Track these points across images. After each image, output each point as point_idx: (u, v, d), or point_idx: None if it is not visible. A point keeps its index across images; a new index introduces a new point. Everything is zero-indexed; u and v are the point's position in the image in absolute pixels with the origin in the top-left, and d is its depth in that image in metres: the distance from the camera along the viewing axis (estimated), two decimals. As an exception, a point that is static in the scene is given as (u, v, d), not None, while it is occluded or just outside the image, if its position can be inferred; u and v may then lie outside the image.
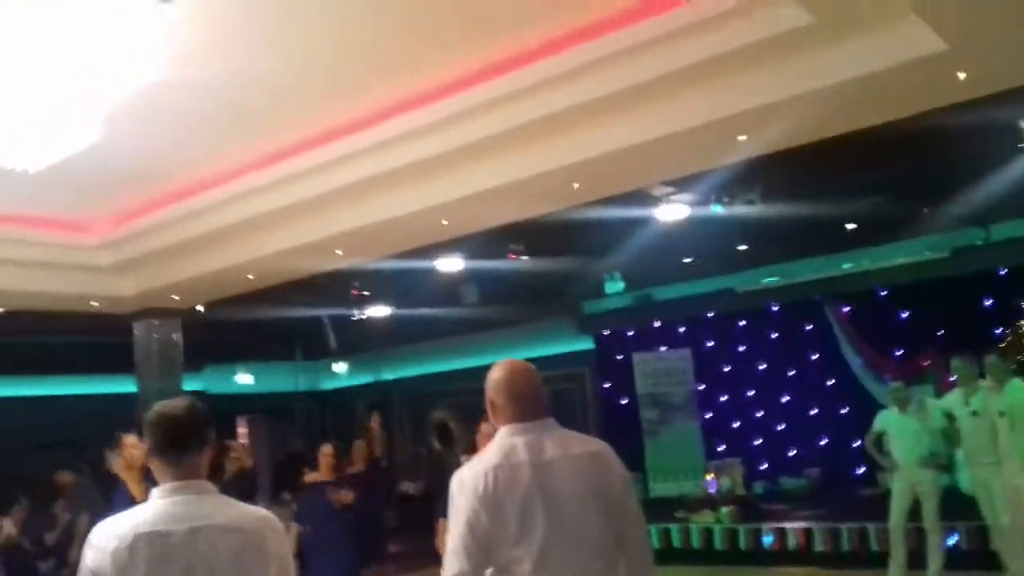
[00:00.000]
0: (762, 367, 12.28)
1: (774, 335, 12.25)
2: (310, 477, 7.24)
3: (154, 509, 2.25)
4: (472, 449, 5.75)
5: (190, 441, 2.30)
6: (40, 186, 6.53)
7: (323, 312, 13.50)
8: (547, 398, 2.71)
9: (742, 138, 5.73)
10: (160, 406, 2.36)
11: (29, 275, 8.17)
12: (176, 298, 9.37)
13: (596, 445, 2.70)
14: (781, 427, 12.11)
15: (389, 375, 17.32)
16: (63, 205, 7.68)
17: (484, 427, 5.65)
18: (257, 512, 2.39)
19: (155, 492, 2.30)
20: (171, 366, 9.97)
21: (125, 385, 10.20)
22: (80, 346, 12.02)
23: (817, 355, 11.93)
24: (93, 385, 13.14)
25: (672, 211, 8.65)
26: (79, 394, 13.31)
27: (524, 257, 10.30)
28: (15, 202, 7.12)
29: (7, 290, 8.26)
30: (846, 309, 11.73)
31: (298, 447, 14.95)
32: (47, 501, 8.72)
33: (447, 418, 8.02)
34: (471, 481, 2.52)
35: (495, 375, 2.69)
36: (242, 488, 8.32)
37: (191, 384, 11.51)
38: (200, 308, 10.05)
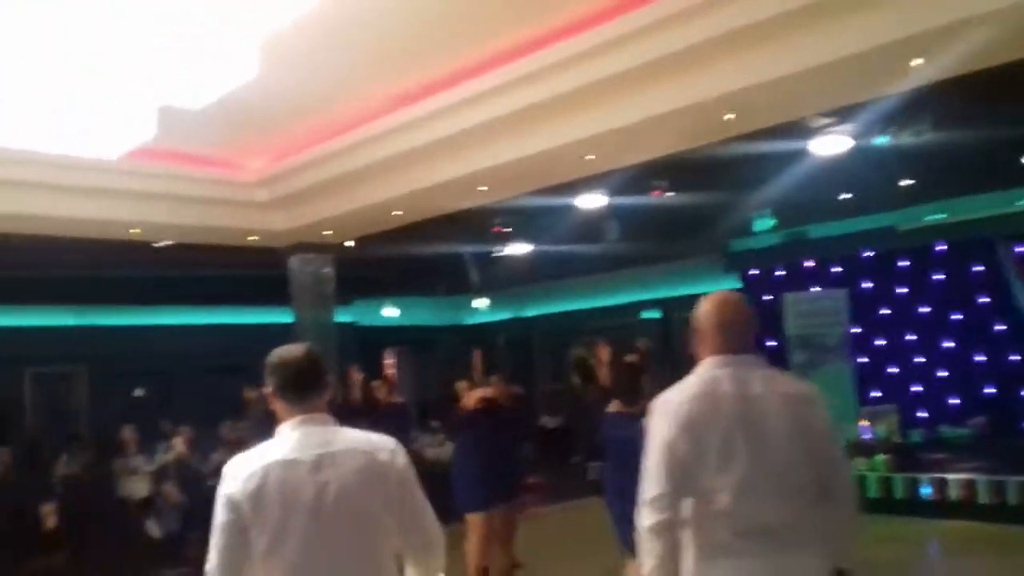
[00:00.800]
0: (924, 310, 11.58)
1: (938, 276, 11.51)
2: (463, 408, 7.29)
3: (282, 441, 2.36)
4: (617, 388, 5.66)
5: (312, 382, 2.40)
6: (201, 125, 6.82)
7: (466, 248, 13.70)
8: (755, 334, 2.70)
9: (916, 63, 5.27)
10: (282, 351, 2.44)
11: (193, 210, 8.65)
12: (327, 233, 9.68)
13: (804, 386, 2.69)
14: (943, 374, 11.43)
15: (530, 311, 17.48)
16: (222, 144, 8.03)
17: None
18: (375, 436, 2.46)
19: (282, 427, 2.39)
20: (324, 298, 10.37)
21: (283, 316, 10.70)
22: (243, 278, 12.69)
23: (986, 298, 11.13)
24: (254, 315, 13.88)
25: (831, 143, 8.18)
26: (242, 323, 14.11)
27: (669, 193, 10.02)
28: (179, 140, 7.45)
29: (173, 224, 8.78)
30: (1020, 249, 10.84)
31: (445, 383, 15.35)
32: (215, 422, 9.30)
33: (587, 355, 7.97)
34: (672, 408, 2.56)
35: (705, 304, 2.71)
36: (395, 420, 8.58)
37: (342, 316, 11.95)
38: (350, 243, 10.37)
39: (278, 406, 2.42)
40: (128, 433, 9.69)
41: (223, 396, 10.08)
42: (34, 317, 12.89)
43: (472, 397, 6.97)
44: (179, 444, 8.81)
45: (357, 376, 8.73)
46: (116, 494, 9.08)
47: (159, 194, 8.28)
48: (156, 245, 9.92)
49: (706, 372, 2.62)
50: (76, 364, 13.33)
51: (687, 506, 2.52)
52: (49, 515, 7.30)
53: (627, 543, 5.50)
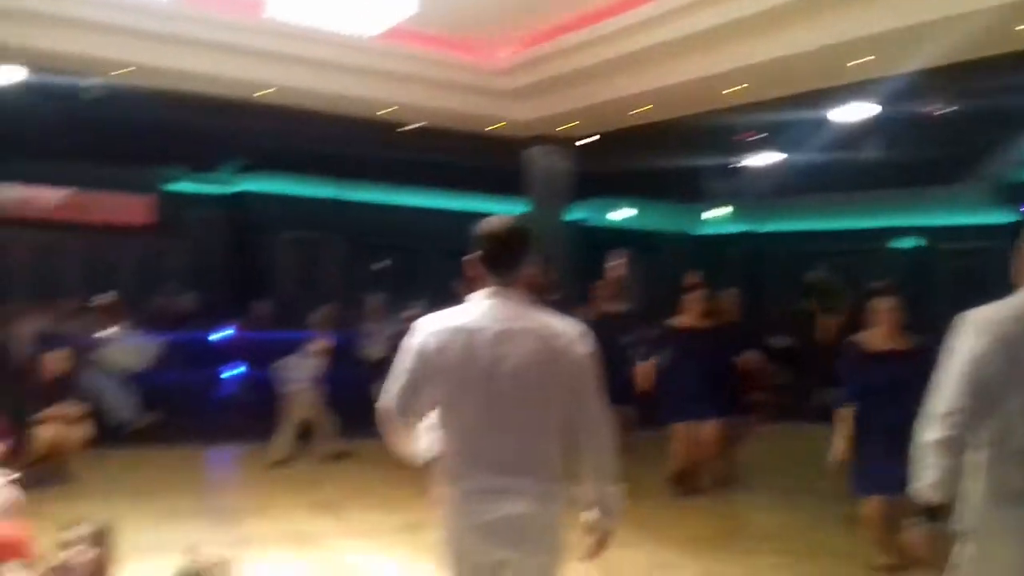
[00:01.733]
0: None
1: None
2: (680, 322, 7.07)
3: (472, 308, 2.48)
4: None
5: (507, 257, 2.50)
6: (456, 9, 6.88)
7: (707, 157, 13.19)
8: None
9: None
10: (486, 223, 2.54)
11: (442, 94, 8.86)
12: (570, 126, 9.61)
13: None
14: None
15: (767, 227, 16.70)
16: (474, 29, 8.08)
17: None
18: (561, 321, 2.51)
19: (476, 294, 2.50)
20: (558, 193, 10.42)
21: (516, 207, 10.88)
22: (482, 168, 13.00)
23: None
24: (491, 205, 14.23)
25: None
26: (479, 211, 14.54)
27: (943, 110, 9.05)
28: (430, 22, 7.56)
29: (423, 106, 9.06)
30: None
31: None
32: (448, 301, 9.76)
33: (824, 279, 7.49)
34: (987, 322, 2.33)
35: None
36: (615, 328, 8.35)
37: (574, 214, 11.98)
38: (589, 140, 10.25)
39: (480, 273, 2.52)
40: (374, 301, 10.49)
41: (457, 277, 10.50)
42: (294, 186, 13.96)
43: (692, 311, 6.88)
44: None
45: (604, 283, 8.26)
46: (358, 354, 9.86)
47: (413, 76, 8.53)
48: (401, 129, 10.30)
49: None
50: (328, 233, 14.38)
51: (981, 448, 2.29)
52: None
53: (860, 484, 5.08)
